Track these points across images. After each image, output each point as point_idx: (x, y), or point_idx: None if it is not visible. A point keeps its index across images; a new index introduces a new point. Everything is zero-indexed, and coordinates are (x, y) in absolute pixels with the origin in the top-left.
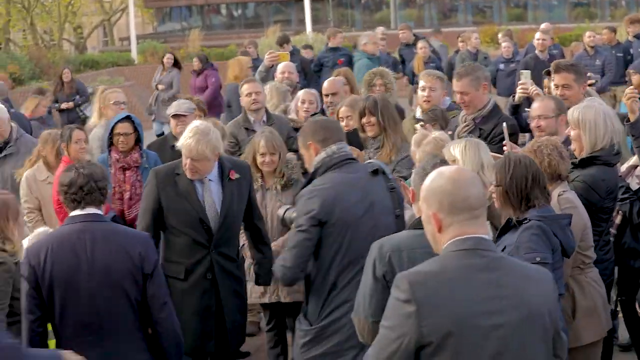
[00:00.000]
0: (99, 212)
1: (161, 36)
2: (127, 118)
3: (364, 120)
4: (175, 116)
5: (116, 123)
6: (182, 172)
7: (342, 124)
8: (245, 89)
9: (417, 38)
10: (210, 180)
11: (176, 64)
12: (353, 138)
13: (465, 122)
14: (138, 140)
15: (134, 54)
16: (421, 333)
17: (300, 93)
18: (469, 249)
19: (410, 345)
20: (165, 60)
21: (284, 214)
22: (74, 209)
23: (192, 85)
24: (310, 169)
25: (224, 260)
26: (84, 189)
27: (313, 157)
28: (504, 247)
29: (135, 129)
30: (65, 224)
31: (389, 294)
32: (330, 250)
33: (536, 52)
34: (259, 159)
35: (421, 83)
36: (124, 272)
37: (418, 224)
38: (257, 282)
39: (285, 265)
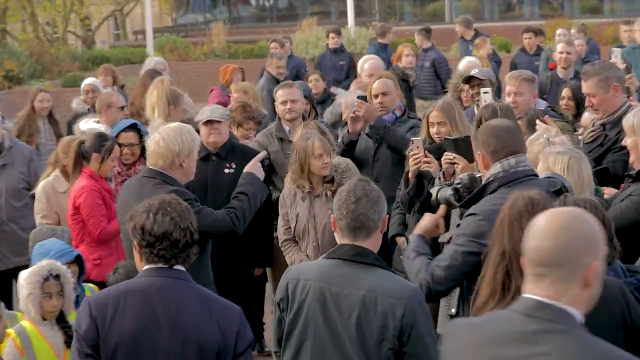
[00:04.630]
0: (184, 270)
1: (181, 29)
2: (133, 126)
3: None
4: (208, 123)
5: (119, 132)
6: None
7: (432, 130)
8: (279, 95)
9: (477, 33)
10: None
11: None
12: (463, 147)
13: (593, 126)
14: (144, 151)
15: (150, 49)
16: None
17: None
18: None
19: None
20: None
21: (437, 194)
22: (156, 263)
23: None
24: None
25: None
26: (178, 246)
27: (482, 167)
28: None
29: (142, 138)
30: (142, 277)
31: (284, 322)
32: None
33: (558, 69)
34: (317, 163)
35: (507, 88)
36: (212, 347)
37: (331, 253)
38: None
39: (434, 281)
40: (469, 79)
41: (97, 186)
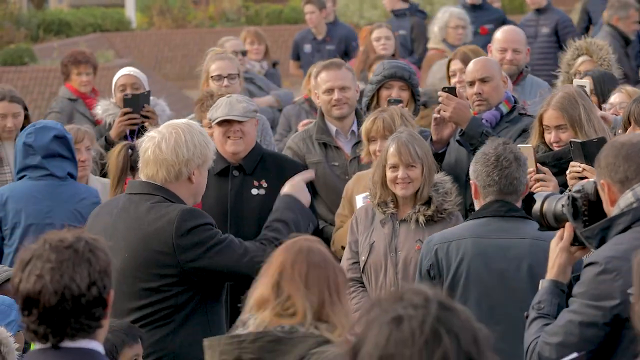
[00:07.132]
0: (89, 346)
1: None
2: None
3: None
4: (224, 123)
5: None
6: None
7: (549, 137)
8: (322, 79)
9: None
10: None
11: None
12: (591, 152)
13: None
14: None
15: (130, 10)
16: None
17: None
18: None
19: None
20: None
21: (544, 204)
22: (37, 341)
23: None
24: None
25: None
26: (52, 317)
27: (608, 203)
28: None
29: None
30: None
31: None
32: None
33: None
34: (389, 175)
35: None
36: None
37: (477, 213)
38: None
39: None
40: None
41: None
